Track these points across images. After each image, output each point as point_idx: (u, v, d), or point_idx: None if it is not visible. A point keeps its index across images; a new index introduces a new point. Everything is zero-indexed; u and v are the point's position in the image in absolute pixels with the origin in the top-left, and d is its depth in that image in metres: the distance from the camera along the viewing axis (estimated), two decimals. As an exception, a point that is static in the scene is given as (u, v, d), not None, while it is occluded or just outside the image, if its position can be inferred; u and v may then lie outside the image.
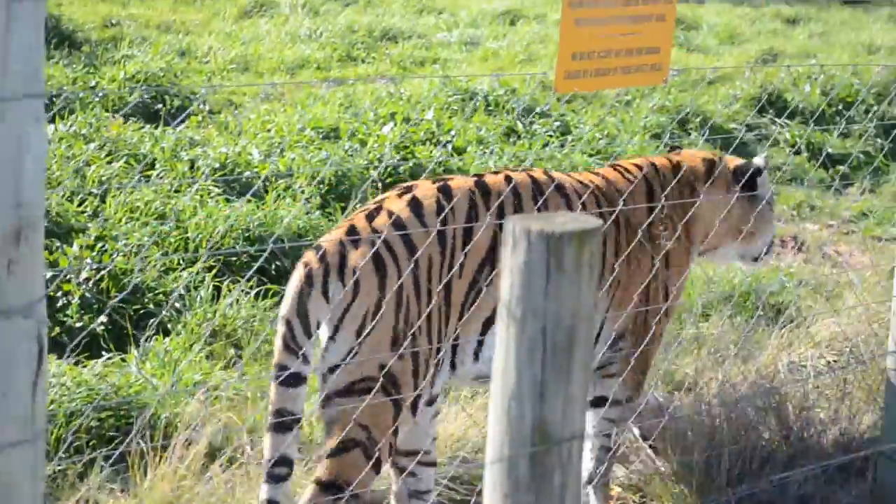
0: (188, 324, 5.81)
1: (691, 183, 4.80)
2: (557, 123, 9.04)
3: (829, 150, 9.81)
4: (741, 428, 4.84)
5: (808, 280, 6.99)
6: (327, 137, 8.28)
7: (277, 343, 4.17)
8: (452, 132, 8.48)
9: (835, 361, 5.85)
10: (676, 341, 5.86)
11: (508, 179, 4.32)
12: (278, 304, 6.10)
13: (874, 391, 5.24)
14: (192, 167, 7.60)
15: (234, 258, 6.41)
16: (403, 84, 9.55)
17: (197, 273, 6.17)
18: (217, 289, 6.12)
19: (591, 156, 8.58)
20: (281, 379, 4.14)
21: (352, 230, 4.20)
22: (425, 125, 8.46)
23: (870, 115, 10.52)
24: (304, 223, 6.94)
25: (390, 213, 4.19)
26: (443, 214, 4.19)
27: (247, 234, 6.69)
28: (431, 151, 8.12)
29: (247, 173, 7.55)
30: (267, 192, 7.28)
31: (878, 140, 10.02)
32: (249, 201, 6.99)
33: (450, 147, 8.17)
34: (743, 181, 4.90)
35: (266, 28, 12.67)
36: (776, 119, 10.15)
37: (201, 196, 7.06)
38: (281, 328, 4.17)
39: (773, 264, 7.39)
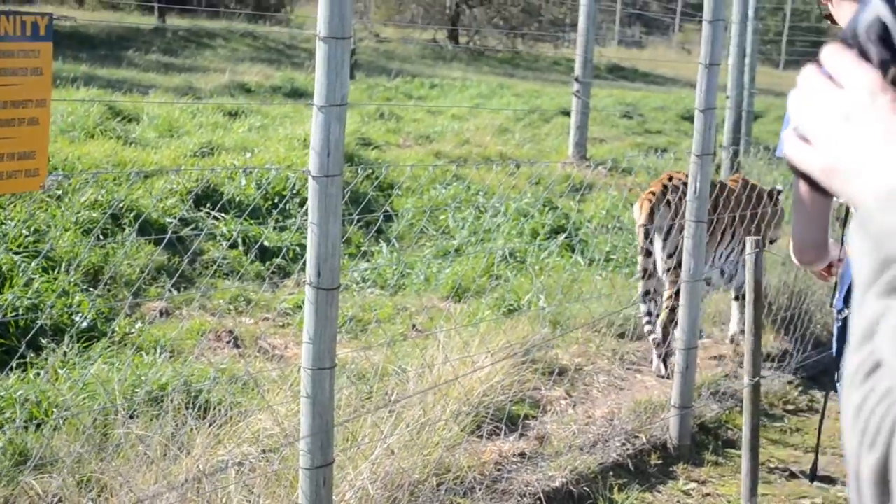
0: None
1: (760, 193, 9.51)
2: (-20, 220, 8.58)
3: (265, 244, 9.89)
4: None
5: (241, 376, 6.93)
6: None
7: (640, 237, 8.69)
8: None
9: (259, 458, 5.79)
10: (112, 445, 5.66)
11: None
12: None
13: (293, 485, 5.23)
14: None
15: None
16: None
17: None
18: None
19: (17, 253, 8.20)
20: (644, 254, 8.69)
21: (664, 186, 8.71)
22: None
23: (303, 208, 10.71)
24: None
25: (679, 178, 8.71)
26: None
27: None
28: None
29: None
30: None
31: (314, 232, 10.16)
32: None
33: None
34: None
35: None
36: (212, 213, 10.12)
37: None
38: (641, 230, 8.65)
39: (205, 360, 7.31)
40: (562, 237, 10.98)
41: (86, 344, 7.30)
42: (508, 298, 9.26)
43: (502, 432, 7.04)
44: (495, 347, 7.57)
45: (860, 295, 1.30)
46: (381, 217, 10.96)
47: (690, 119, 21.54)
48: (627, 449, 7.20)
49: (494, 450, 6.83)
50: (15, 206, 9.20)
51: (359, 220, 10.47)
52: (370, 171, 11.81)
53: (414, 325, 8.77)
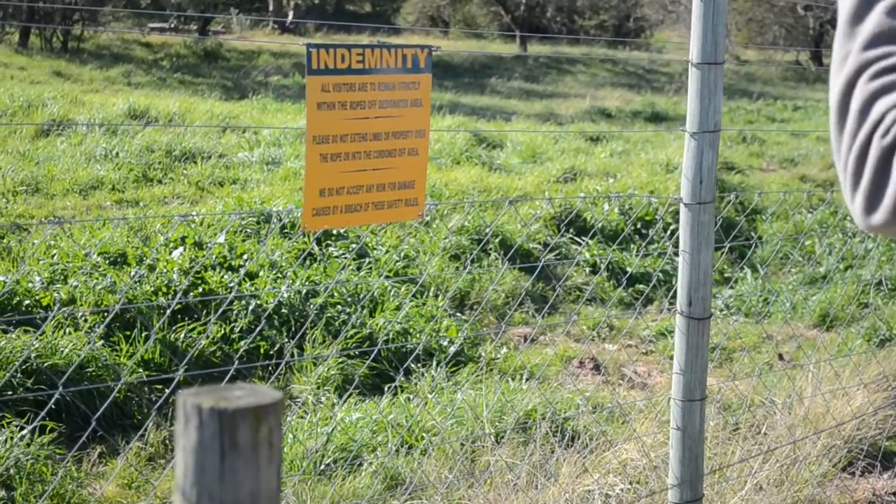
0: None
1: None
2: (354, 246, 8.86)
3: (629, 270, 9.84)
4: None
5: (605, 404, 6.90)
6: (115, 263, 7.99)
7: None
8: (245, 256, 8.25)
9: (625, 489, 5.74)
10: (482, 471, 5.73)
11: None
12: (56, 441, 5.80)
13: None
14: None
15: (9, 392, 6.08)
16: (199, 206, 9.31)
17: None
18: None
19: (388, 278, 8.44)
20: None
21: None
22: (217, 249, 8.21)
23: (668, 233, 10.62)
24: (87, 354, 6.65)
25: None
26: None
27: (24, 366, 6.38)
28: (222, 276, 7.89)
29: (26, 302, 7.23)
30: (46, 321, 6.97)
31: (677, 259, 10.06)
32: (27, 331, 6.68)
33: (242, 272, 7.93)
34: None
35: (62, 148, 12.35)
36: (576, 238, 10.15)
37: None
38: None
39: (570, 387, 7.31)
40: (938, 264, 10.50)
41: (453, 369, 7.42)
42: (881, 328, 8.90)
43: (876, 469, 6.75)
44: (868, 379, 7.28)
45: None
46: (752, 244, 10.74)
47: None
48: None
49: (868, 488, 6.55)
50: (385, 231, 9.47)
51: (722, 246, 10.30)
52: (736, 196, 11.61)
53: (780, 355, 8.54)
